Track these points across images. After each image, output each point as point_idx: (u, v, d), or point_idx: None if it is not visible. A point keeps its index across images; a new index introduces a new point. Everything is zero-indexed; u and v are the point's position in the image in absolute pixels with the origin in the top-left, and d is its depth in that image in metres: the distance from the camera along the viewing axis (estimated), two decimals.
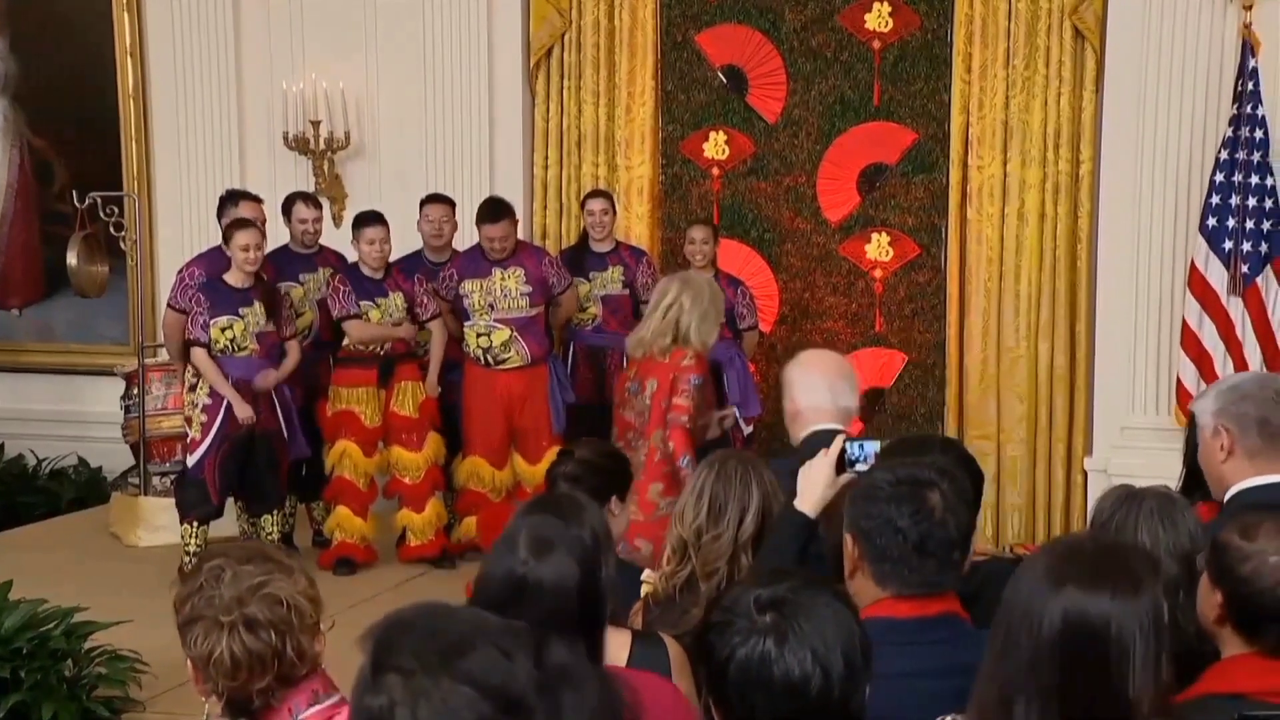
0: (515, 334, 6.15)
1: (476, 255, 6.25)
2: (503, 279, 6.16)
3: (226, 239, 5.80)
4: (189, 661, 2.16)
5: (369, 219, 6.07)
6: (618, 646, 2.49)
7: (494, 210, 6.15)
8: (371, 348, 6.07)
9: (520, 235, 6.96)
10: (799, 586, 1.75)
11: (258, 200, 6.31)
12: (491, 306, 6.15)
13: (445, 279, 6.26)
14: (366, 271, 6.05)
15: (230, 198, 6.28)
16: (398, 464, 6.13)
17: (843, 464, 2.63)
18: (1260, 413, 2.80)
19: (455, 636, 1.43)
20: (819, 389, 3.35)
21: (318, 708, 2.14)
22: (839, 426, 3.27)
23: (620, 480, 3.38)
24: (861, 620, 1.78)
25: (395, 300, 6.08)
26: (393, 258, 6.33)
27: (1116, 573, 1.74)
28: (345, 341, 6.12)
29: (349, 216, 6.46)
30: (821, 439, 3.14)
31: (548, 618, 2.06)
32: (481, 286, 6.16)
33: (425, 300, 6.14)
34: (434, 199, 6.45)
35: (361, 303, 6.03)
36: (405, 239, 6.55)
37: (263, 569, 2.15)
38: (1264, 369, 5.83)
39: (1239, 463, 2.82)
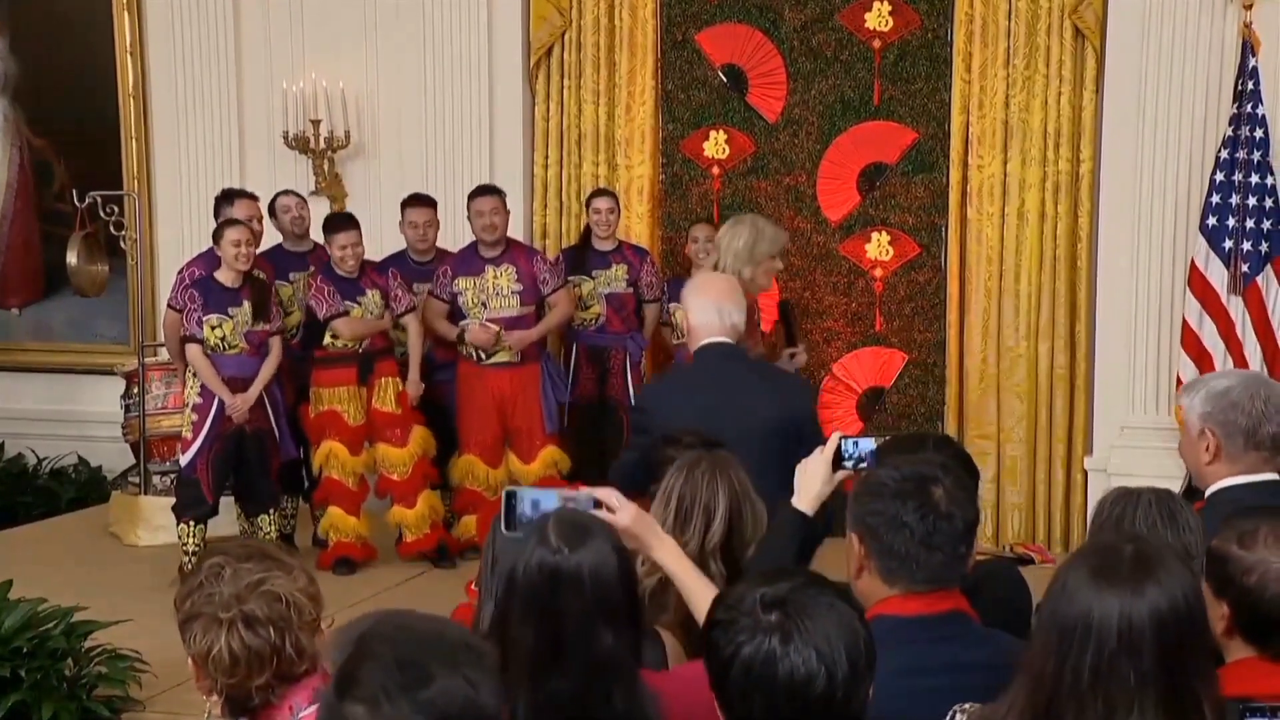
0: (505, 332, 6.15)
1: (470, 253, 6.26)
2: (495, 276, 6.18)
3: (217, 238, 5.81)
4: (190, 659, 2.16)
5: (340, 223, 6.08)
6: None
7: (485, 187, 6.25)
8: (351, 345, 6.06)
9: (520, 234, 6.98)
10: (804, 585, 1.75)
11: (253, 198, 6.31)
12: (484, 305, 6.16)
13: (440, 277, 6.25)
14: (341, 273, 6.05)
15: (226, 197, 6.27)
16: (384, 461, 6.13)
17: (839, 461, 2.62)
18: (1249, 423, 2.83)
19: (419, 665, 1.43)
20: (708, 309, 3.98)
21: (318, 705, 2.14)
22: (728, 340, 3.93)
23: None
24: (866, 620, 1.78)
25: (373, 298, 6.09)
26: (382, 256, 6.34)
27: (1161, 566, 1.74)
28: (325, 342, 6.10)
29: None
30: (711, 350, 3.96)
31: (590, 609, 2.02)
32: (475, 284, 6.18)
33: (399, 294, 6.15)
34: (415, 201, 6.42)
35: (345, 302, 6.04)
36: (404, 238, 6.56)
37: (262, 566, 2.15)
38: (1264, 368, 5.84)
39: (1221, 465, 2.88)
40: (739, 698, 1.71)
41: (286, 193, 6.50)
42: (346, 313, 6.02)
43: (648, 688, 2.06)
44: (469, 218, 6.23)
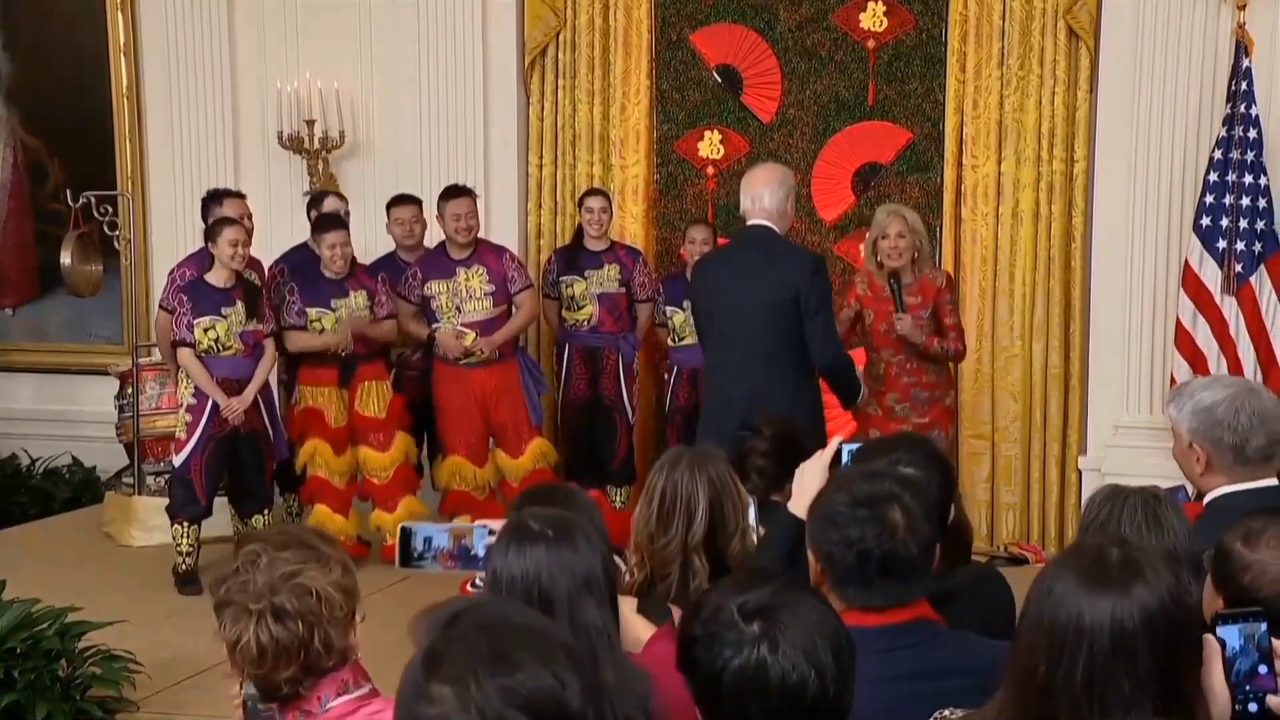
0: (481, 335, 6.15)
1: (439, 255, 6.25)
2: (467, 278, 6.16)
3: (212, 237, 5.77)
4: (224, 644, 2.18)
5: (329, 223, 6.06)
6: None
7: (458, 188, 6.21)
8: (334, 348, 6.03)
9: (515, 235, 6.98)
10: (780, 590, 1.75)
11: (241, 196, 6.30)
12: (458, 309, 6.15)
13: (408, 280, 6.22)
14: (328, 274, 6.02)
15: (213, 197, 6.23)
16: (366, 464, 6.11)
17: (838, 466, 2.62)
18: (1235, 440, 2.84)
19: (509, 653, 1.44)
20: (746, 196, 4.82)
21: (346, 698, 2.15)
22: (761, 221, 4.76)
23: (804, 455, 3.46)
24: (841, 617, 1.79)
25: (356, 299, 6.06)
26: (379, 255, 6.34)
27: (1147, 567, 1.74)
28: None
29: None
30: (747, 231, 4.87)
31: (579, 586, 2.14)
32: (448, 288, 6.16)
33: (384, 299, 6.13)
34: (401, 200, 6.42)
35: (312, 310, 5.99)
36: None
37: (299, 557, 2.15)
38: (1258, 369, 5.85)
39: (1215, 477, 2.90)
40: (734, 710, 1.71)
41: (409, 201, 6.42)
42: (303, 327, 6.01)
43: (634, 662, 2.09)
44: (439, 219, 6.20)
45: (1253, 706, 1.81)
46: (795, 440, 3.55)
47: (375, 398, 6.11)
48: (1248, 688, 1.81)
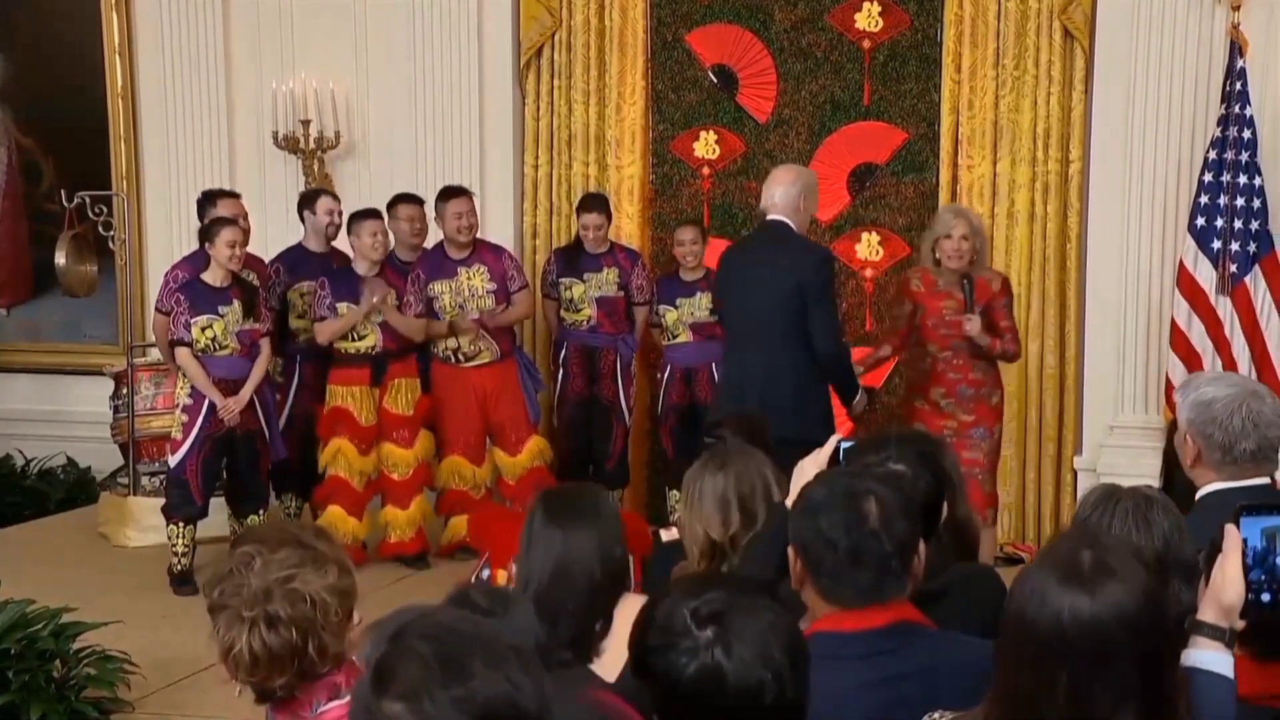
0: (482, 332, 6.16)
1: (439, 256, 6.25)
2: (469, 278, 6.17)
3: (209, 237, 5.76)
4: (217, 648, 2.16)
5: (367, 213, 6.06)
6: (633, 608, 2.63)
7: (456, 189, 6.22)
8: (363, 348, 6.05)
9: (510, 235, 6.98)
10: (732, 594, 1.75)
11: (236, 196, 6.29)
12: (461, 307, 6.15)
13: (412, 282, 6.20)
14: (361, 269, 6.02)
15: (208, 198, 6.22)
16: (388, 460, 6.11)
17: (836, 463, 2.62)
18: (1225, 439, 2.87)
19: (459, 662, 1.41)
20: (765, 195, 5.11)
21: (338, 702, 2.13)
22: (776, 216, 5.03)
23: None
24: (791, 615, 1.80)
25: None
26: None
27: (1121, 567, 1.74)
28: (339, 342, 6.09)
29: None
30: (763, 225, 5.16)
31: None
32: (450, 288, 6.17)
33: (411, 299, 6.14)
34: (404, 199, 6.39)
35: (341, 305, 5.99)
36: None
37: (295, 558, 2.11)
38: (1252, 368, 5.86)
39: (1205, 470, 2.92)
40: (693, 716, 1.71)
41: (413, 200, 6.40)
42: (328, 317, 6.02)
43: (581, 705, 2.08)
44: (438, 219, 6.20)
45: (1265, 597, 1.87)
46: (764, 440, 3.59)
47: (405, 395, 6.11)
48: (1263, 579, 1.87)
